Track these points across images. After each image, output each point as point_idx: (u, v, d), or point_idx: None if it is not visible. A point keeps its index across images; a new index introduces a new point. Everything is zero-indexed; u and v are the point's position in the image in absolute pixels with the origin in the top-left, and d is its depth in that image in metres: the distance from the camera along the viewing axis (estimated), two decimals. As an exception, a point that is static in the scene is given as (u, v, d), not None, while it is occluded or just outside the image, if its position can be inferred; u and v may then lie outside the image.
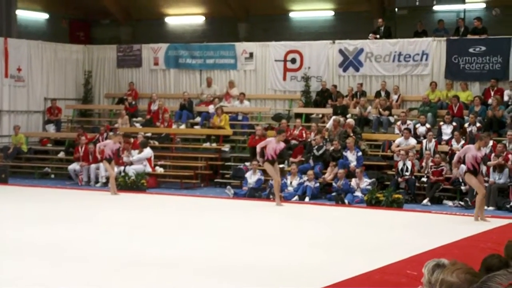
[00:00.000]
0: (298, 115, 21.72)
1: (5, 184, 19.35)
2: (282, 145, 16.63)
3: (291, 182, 18.09)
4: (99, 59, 25.92)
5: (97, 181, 20.57)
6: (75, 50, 25.97)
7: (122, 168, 19.97)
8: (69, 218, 14.07)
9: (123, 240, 11.74)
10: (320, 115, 21.89)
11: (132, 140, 21.07)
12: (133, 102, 24.01)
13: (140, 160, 20.15)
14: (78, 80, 25.86)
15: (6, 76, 23.38)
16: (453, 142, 18.59)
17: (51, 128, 24.12)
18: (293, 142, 20.13)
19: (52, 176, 22.45)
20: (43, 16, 28.12)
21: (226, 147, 21.49)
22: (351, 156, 18.58)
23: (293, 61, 22.93)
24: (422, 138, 19.10)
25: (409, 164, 17.88)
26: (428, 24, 22.94)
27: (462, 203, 16.87)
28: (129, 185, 18.94)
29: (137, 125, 23.11)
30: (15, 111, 23.86)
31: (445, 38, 21.24)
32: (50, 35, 26.85)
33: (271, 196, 17.66)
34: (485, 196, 14.77)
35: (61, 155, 22.86)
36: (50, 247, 10.88)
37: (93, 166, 20.67)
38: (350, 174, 18.13)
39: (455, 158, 15.02)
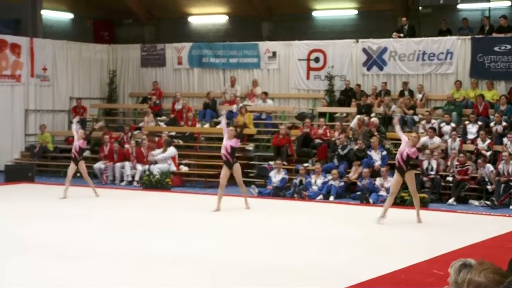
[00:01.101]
0: (322, 114, 21.71)
1: (31, 182, 19.53)
2: (233, 141, 15.30)
3: (315, 181, 18.07)
4: (123, 59, 26.09)
5: (122, 180, 20.70)
6: (100, 50, 26.17)
7: (147, 166, 20.09)
8: (93, 216, 14.20)
9: (147, 238, 11.81)
10: (344, 114, 21.85)
11: (156, 139, 21.18)
12: (157, 101, 24.13)
13: (164, 159, 20.26)
14: (102, 79, 26.05)
15: (32, 76, 23.63)
16: (479, 141, 18.48)
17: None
18: (317, 141, 20.12)
19: (78, 174, 22.57)
20: (68, 16, 28.36)
21: (250, 146, 21.53)
22: (376, 155, 18.54)
23: (317, 60, 22.91)
24: (447, 137, 19.00)
25: (434, 163, 17.80)
26: (453, 22, 22.82)
27: (488, 202, 16.76)
28: (154, 183, 19.06)
29: (161, 124, 23.23)
30: (41, 110, 24.10)
31: (470, 37, 21.11)
32: (74, 35, 27.07)
33: (295, 195, 17.67)
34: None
35: (86, 154, 23.01)
36: (72, 245, 10.99)
37: (118, 164, 20.81)
38: (374, 173, 18.08)
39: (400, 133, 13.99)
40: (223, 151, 15.22)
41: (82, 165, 17.06)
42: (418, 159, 13.80)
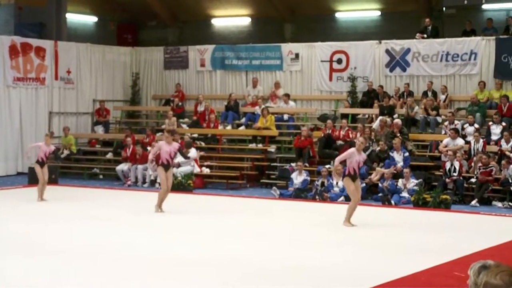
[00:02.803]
0: (344, 116, 21.64)
1: (55, 184, 19.69)
2: (175, 146, 15.25)
3: (337, 183, 18.00)
4: (146, 61, 26.23)
5: (144, 182, 20.79)
6: (123, 52, 26.33)
7: (174, 169, 20.11)
8: (115, 219, 14.26)
9: (168, 241, 11.84)
10: (367, 116, 21.76)
11: (179, 141, 21.22)
12: (180, 103, 24.21)
13: (188, 161, 20.30)
14: (125, 81, 26.21)
15: (56, 79, 23.84)
16: (503, 142, 18.30)
17: (99, 129, 24.51)
18: (339, 142, 20.06)
19: (101, 176, 22.78)
20: (91, 19, 28.59)
21: (272, 148, 21.52)
22: (398, 157, 18.44)
23: (339, 61, 22.85)
24: (470, 138, 18.84)
25: (457, 164, 17.65)
26: (477, 23, 22.63)
27: None
28: (175, 186, 19.09)
29: (184, 126, 23.30)
30: (65, 112, 24.30)
31: (494, 37, 20.92)
32: (98, 37, 27.27)
33: (317, 197, 17.63)
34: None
35: (109, 156, 23.18)
36: (95, 248, 11.05)
37: (140, 166, 20.90)
38: (396, 175, 17.98)
39: (338, 159, 13.85)
40: (165, 156, 14.96)
41: (44, 170, 16.81)
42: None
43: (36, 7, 24.87)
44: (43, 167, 16.73)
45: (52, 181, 19.91)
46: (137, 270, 9.52)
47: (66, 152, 22.80)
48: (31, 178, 19.36)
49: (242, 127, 22.81)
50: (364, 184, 18.02)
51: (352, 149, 13.60)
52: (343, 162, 14.02)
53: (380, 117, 20.16)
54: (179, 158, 20.23)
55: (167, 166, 15.03)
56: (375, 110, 21.26)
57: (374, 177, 17.87)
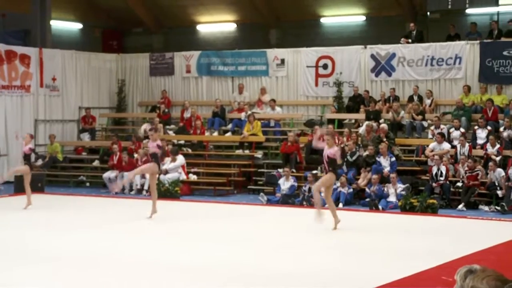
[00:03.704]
0: (331, 121, 21.68)
1: (41, 192, 19.58)
2: (159, 142, 15.38)
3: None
4: (132, 68, 26.17)
5: (131, 189, 20.72)
6: (108, 59, 26.26)
7: (161, 176, 20.07)
8: (103, 226, 14.21)
9: (157, 247, 11.81)
10: (353, 121, 21.81)
11: (166, 148, 21.17)
12: (166, 110, 24.17)
13: (175, 168, 20.26)
14: (111, 88, 26.14)
15: (41, 86, 23.74)
16: (488, 146, 18.39)
17: (85, 136, 24.42)
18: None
19: (87, 184, 22.68)
20: (76, 26, 28.51)
21: (258, 154, 21.51)
22: (385, 162, 18.48)
23: (325, 66, 22.90)
24: (456, 142, 18.92)
25: (443, 169, 17.72)
26: (461, 27, 22.76)
27: (498, 208, 16.67)
28: (163, 192, 19.03)
29: (171, 132, 23.25)
30: (50, 120, 24.19)
31: (478, 41, 21.04)
32: (83, 44, 27.18)
33: (304, 203, 17.64)
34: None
35: (96, 163, 23.09)
36: (84, 254, 11.00)
37: (126, 174, 20.79)
38: (383, 180, 18.03)
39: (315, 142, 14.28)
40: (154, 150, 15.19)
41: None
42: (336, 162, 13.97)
43: (21, 14, 24.78)
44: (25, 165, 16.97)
45: (39, 189, 19.82)
46: (126, 276, 9.49)
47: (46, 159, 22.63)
48: (17, 187, 19.26)
49: (229, 133, 22.80)
50: (351, 190, 18.07)
51: (323, 143, 13.70)
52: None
53: (366, 122, 20.22)
54: (166, 165, 20.22)
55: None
56: (361, 115, 21.32)
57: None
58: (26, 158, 17.03)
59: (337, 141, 13.89)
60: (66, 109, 24.65)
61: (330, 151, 13.38)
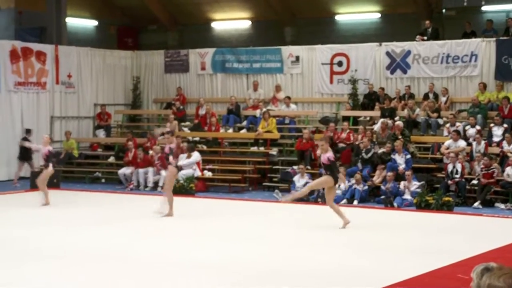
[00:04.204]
0: (346, 118, 21.65)
1: (57, 188, 19.69)
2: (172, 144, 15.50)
3: (339, 186, 18.00)
4: (147, 65, 26.24)
5: (146, 186, 20.80)
6: (124, 56, 26.35)
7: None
8: (118, 222, 14.27)
9: (171, 244, 11.85)
10: (368, 118, 21.78)
11: (182, 145, 21.24)
12: (181, 107, 24.23)
13: (190, 165, 20.31)
14: (126, 85, 26.22)
15: (57, 83, 23.87)
16: (504, 144, 18.30)
17: (101, 133, 24.53)
18: (341, 145, 20.08)
19: (103, 180, 22.79)
20: (92, 23, 28.62)
21: (273, 151, 21.52)
22: (400, 159, 18.44)
23: (340, 64, 22.86)
24: (472, 140, 18.84)
25: (459, 166, 17.66)
26: (477, 24, 22.65)
27: (514, 205, 16.60)
28: (177, 189, 19.07)
29: (185, 129, 23.31)
30: (66, 117, 24.32)
31: (494, 39, 20.93)
32: (99, 41, 27.30)
33: (319, 200, 17.63)
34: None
35: (111, 160, 23.19)
36: (98, 251, 11.06)
37: (141, 170, 20.91)
38: (398, 177, 17.99)
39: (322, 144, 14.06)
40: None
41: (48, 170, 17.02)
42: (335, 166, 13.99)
43: (36, 11, 24.92)
44: (46, 168, 16.98)
45: (54, 185, 19.92)
46: (140, 273, 9.52)
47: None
48: (33, 183, 19.36)
49: (244, 130, 22.82)
50: (366, 187, 18.06)
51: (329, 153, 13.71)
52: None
53: (382, 120, 20.17)
54: (181, 161, 20.27)
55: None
56: (376, 113, 21.27)
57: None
58: (46, 159, 17.08)
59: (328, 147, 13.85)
60: (81, 106, 24.77)
61: (325, 156, 13.40)
